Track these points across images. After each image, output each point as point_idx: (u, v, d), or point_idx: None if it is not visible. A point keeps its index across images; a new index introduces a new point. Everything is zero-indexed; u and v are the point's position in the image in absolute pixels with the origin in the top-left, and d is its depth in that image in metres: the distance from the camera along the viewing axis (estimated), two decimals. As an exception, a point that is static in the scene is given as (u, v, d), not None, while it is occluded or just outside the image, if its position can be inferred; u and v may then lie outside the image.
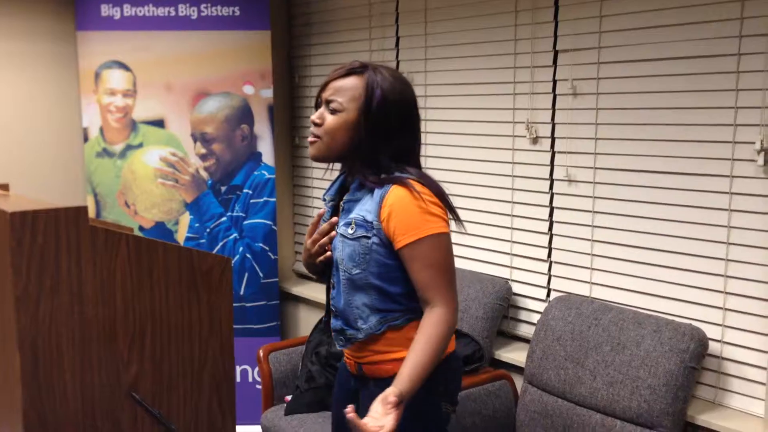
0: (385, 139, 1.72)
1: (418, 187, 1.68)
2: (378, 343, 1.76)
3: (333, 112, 1.73)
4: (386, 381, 1.75)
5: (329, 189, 1.91)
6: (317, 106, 1.79)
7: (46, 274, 1.44)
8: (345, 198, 1.79)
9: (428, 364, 1.65)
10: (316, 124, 1.75)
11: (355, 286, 1.73)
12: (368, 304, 1.73)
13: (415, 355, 1.64)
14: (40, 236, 1.42)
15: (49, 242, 1.43)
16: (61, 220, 1.44)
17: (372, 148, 1.72)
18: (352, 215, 1.73)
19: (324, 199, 1.90)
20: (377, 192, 1.70)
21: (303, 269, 3.99)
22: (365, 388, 1.83)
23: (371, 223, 1.69)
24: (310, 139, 1.77)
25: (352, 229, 1.72)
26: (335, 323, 1.81)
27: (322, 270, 1.86)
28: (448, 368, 1.81)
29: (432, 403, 1.78)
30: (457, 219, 1.78)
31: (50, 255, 1.44)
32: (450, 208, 1.75)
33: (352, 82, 1.73)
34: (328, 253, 1.80)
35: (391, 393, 1.58)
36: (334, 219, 1.80)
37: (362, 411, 1.84)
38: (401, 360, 1.74)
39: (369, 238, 1.70)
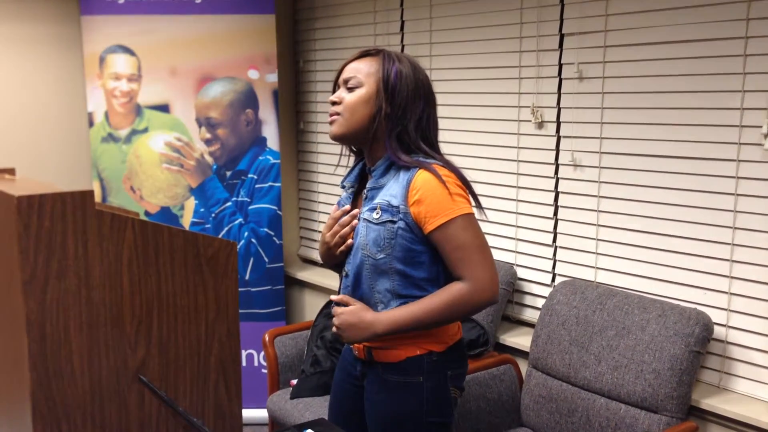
0: (405, 111, 1.75)
1: (442, 171, 1.71)
2: None
3: (351, 89, 1.77)
4: (395, 366, 1.79)
5: (348, 176, 1.92)
6: (334, 91, 1.83)
7: (54, 258, 1.44)
8: (368, 186, 1.80)
9: (421, 323, 1.71)
10: (335, 103, 1.79)
11: (378, 270, 1.75)
12: (390, 289, 1.75)
13: (417, 308, 1.70)
14: (47, 220, 1.42)
15: (56, 226, 1.44)
16: (67, 205, 1.44)
17: (395, 119, 1.75)
18: (377, 200, 1.75)
19: (343, 186, 1.91)
20: (403, 176, 1.73)
21: (308, 254, 3.99)
22: (372, 372, 1.84)
23: (397, 207, 1.71)
24: (330, 118, 1.80)
25: (377, 213, 1.74)
26: None
27: (342, 261, 1.87)
28: (456, 355, 1.83)
29: (441, 389, 1.80)
30: (479, 206, 1.80)
31: (57, 239, 1.44)
32: (473, 195, 1.78)
33: (368, 61, 1.79)
34: (350, 241, 1.80)
35: (369, 319, 1.72)
36: (356, 211, 1.81)
37: (367, 396, 1.86)
38: (413, 345, 1.78)
39: (395, 222, 1.72)
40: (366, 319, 1.74)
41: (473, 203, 1.76)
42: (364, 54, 1.80)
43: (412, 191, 1.70)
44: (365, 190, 1.81)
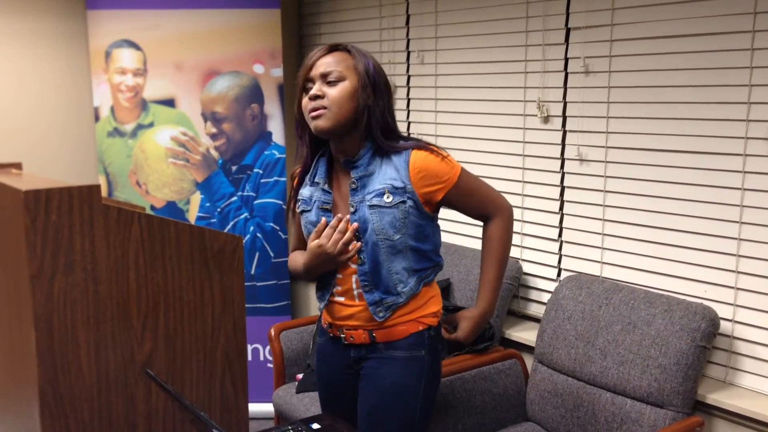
0: (384, 101, 1.83)
1: (430, 146, 1.85)
2: (409, 304, 1.87)
3: (333, 83, 1.79)
4: (399, 343, 1.86)
5: (315, 172, 1.91)
6: (305, 88, 1.83)
7: (61, 253, 1.45)
8: (356, 174, 1.83)
9: (502, 276, 1.94)
10: (318, 97, 1.79)
11: (395, 251, 1.82)
12: (407, 267, 1.84)
13: (494, 269, 1.92)
14: (54, 215, 1.43)
15: (63, 221, 1.44)
16: (74, 199, 1.44)
17: (379, 110, 1.81)
18: (379, 186, 1.80)
19: (316, 183, 1.90)
20: (396, 159, 1.81)
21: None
22: (374, 353, 1.89)
23: (403, 188, 1.80)
24: (316, 112, 1.79)
25: (388, 197, 1.80)
26: (371, 297, 1.85)
27: (333, 270, 1.89)
28: (440, 329, 1.95)
29: (437, 362, 1.92)
30: None
31: (64, 233, 1.44)
32: None
33: (340, 56, 1.82)
34: (357, 244, 1.82)
35: (480, 316, 1.94)
36: (347, 217, 1.84)
37: (366, 373, 1.90)
38: (415, 321, 1.87)
39: (405, 202, 1.80)
40: (480, 319, 1.94)
41: None
42: (332, 49, 1.83)
43: (414, 170, 1.79)
44: (354, 179, 1.83)
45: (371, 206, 1.79)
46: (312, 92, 1.79)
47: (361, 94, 1.79)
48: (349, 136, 1.83)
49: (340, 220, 1.83)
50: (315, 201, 1.88)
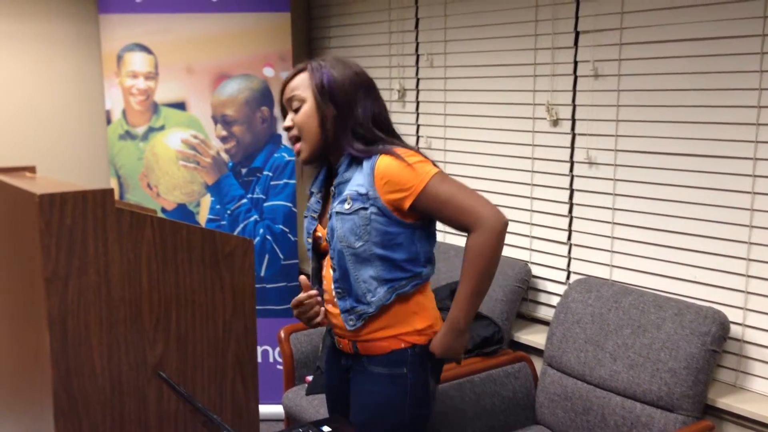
0: (351, 106, 1.80)
1: (400, 151, 1.77)
2: (385, 316, 1.82)
3: (297, 110, 1.82)
4: (380, 358, 1.84)
5: (314, 182, 1.98)
6: (285, 116, 1.89)
7: (74, 256, 1.46)
8: (335, 182, 1.84)
9: (478, 295, 1.76)
10: (289, 129, 1.84)
11: (360, 259, 1.78)
12: (374, 276, 1.79)
13: (465, 288, 1.76)
14: (68, 218, 1.44)
15: (77, 224, 1.46)
16: (88, 202, 1.46)
17: (344, 117, 1.79)
18: (346, 192, 1.80)
19: (311, 192, 1.97)
20: (366, 164, 1.78)
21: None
22: (358, 365, 1.89)
23: (366, 194, 1.76)
24: (295, 147, 1.85)
25: (348, 204, 1.78)
26: (343, 304, 1.85)
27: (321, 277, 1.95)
28: (428, 346, 1.89)
29: (423, 381, 1.86)
30: None
31: (78, 236, 1.46)
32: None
33: (301, 77, 1.84)
34: (321, 309, 1.89)
35: (453, 334, 1.80)
36: (313, 291, 1.89)
37: (352, 387, 1.91)
38: (399, 336, 1.83)
39: (366, 209, 1.76)
40: (445, 331, 1.82)
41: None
42: (297, 72, 1.85)
43: (378, 177, 1.75)
44: (332, 186, 1.85)
45: (336, 213, 1.81)
46: (284, 124, 1.85)
47: (318, 109, 1.80)
48: (332, 148, 1.85)
49: (310, 296, 1.88)
50: (311, 210, 1.95)
